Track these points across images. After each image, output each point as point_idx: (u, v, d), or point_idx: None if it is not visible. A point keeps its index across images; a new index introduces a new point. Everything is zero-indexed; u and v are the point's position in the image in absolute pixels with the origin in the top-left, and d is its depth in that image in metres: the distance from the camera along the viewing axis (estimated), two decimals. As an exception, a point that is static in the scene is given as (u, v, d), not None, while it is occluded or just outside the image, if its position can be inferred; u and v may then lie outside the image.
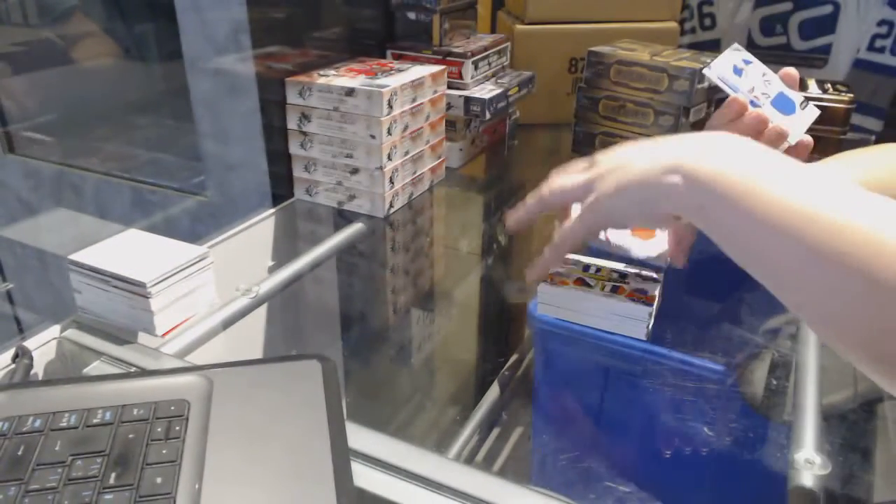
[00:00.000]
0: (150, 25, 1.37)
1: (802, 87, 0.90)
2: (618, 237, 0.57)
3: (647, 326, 0.55)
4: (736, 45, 0.58)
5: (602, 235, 0.57)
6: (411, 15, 0.97)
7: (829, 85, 0.92)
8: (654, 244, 0.56)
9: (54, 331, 0.54)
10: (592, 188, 0.46)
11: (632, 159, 0.44)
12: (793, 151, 0.55)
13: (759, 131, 0.54)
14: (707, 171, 0.39)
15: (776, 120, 0.55)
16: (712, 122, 0.57)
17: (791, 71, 0.57)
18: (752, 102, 0.55)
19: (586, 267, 0.59)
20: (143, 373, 0.48)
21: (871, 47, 1.16)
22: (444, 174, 0.97)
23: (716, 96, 0.99)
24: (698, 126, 0.96)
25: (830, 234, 0.33)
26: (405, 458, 0.41)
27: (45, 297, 1.44)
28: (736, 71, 0.57)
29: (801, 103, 0.56)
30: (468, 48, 0.95)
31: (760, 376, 0.61)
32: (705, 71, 0.57)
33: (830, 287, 0.34)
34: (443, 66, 0.91)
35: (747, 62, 0.57)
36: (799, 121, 0.55)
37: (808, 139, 0.55)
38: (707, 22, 1.30)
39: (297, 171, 0.86)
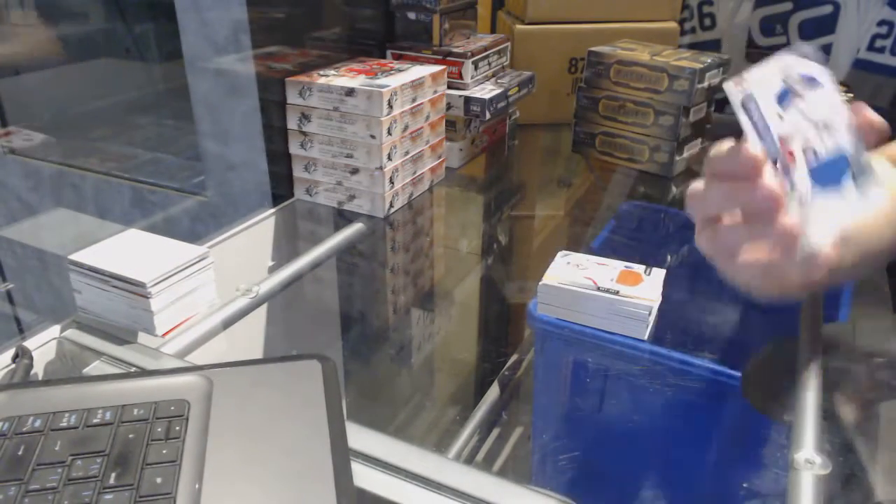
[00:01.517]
0: (151, 25, 1.37)
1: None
2: (604, 281, 0.56)
3: (648, 326, 0.55)
4: (805, 49, 0.36)
5: (586, 278, 0.56)
6: (411, 15, 0.97)
7: (829, 85, 0.92)
8: (640, 289, 0.56)
9: (54, 331, 0.54)
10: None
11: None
12: (804, 267, 0.35)
13: (762, 220, 0.35)
14: None
15: (803, 202, 0.34)
16: (711, 165, 0.38)
17: (871, 115, 0.35)
18: (775, 161, 0.34)
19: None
20: (143, 373, 0.48)
21: (871, 47, 1.16)
22: (444, 174, 0.97)
23: (715, 96, 0.98)
24: (698, 125, 0.96)
25: None
26: (405, 458, 0.41)
27: (45, 297, 1.44)
28: (782, 97, 0.34)
29: (863, 176, 0.32)
30: (468, 48, 0.95)
31: (760, 376, 0.61)
32: (726, 86, 0.37)
33: None
34: (443, 66, 0.91)
35: (811, 81, 0.34)
36: (839, 209, 0.33)
37: (833, 255, 0.34)
38: (707, 22, 1.30)
39: (297, 171, 0.86)
